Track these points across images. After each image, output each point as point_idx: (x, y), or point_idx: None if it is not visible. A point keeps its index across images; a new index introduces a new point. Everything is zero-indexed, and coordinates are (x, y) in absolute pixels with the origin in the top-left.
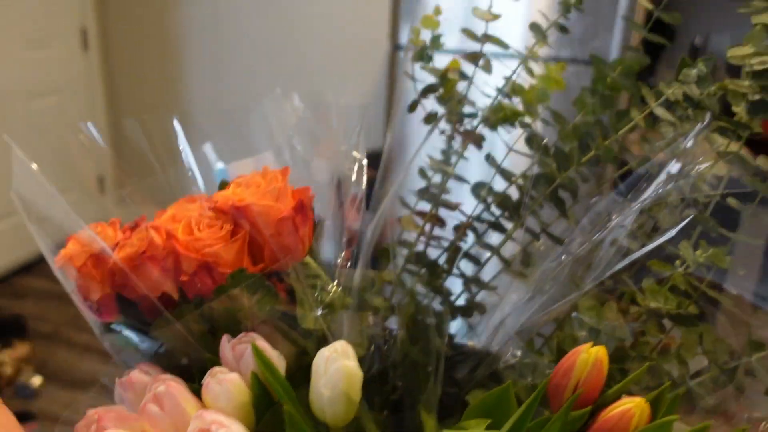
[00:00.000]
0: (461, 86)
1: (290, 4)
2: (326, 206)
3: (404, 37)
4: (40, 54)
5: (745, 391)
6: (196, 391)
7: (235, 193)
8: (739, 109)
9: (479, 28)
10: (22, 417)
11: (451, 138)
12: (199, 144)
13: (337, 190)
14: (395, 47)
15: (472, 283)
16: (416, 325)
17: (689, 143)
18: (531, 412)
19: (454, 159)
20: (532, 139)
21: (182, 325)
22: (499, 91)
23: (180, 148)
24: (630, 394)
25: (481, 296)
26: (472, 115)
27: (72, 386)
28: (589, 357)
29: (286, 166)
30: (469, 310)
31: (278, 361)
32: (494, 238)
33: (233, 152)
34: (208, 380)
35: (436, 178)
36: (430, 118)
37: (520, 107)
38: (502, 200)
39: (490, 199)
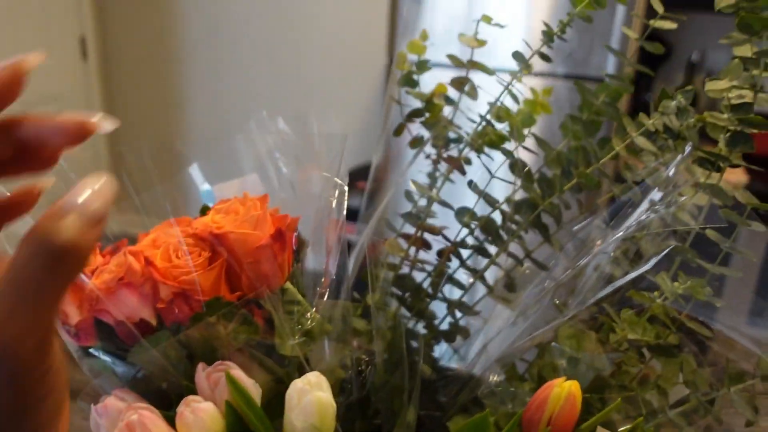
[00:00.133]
0: (448, 110)
1: (289, 15)
2: (310, 229)
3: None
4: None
5: (724, 423)
6: (173, 419)
7: (214, 221)
8: (719, 141)
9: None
10: None
11: (436, 162)
12: (197, 157)
13: (321, 214)
14: (392, 60)
15: (455, 307)
16: (395, 350)
17: (670, 172)
18: None
19: (440, 183)
20: (514, 166)
21: (159, 351)
22: (482, 117)
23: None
24: (608, 424)
25: (465, 320)
26: (458, 140)
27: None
28: (562, 391)
29: (267, 192)
30: (452, 334)
31: (254, 389)
32: (479, 262)
33: (234, 167)
34: (182, 409)
35: (422, 202)
36: (416, 143)
37: (507, 131)
38: (486, 225)
39: (474, 224)
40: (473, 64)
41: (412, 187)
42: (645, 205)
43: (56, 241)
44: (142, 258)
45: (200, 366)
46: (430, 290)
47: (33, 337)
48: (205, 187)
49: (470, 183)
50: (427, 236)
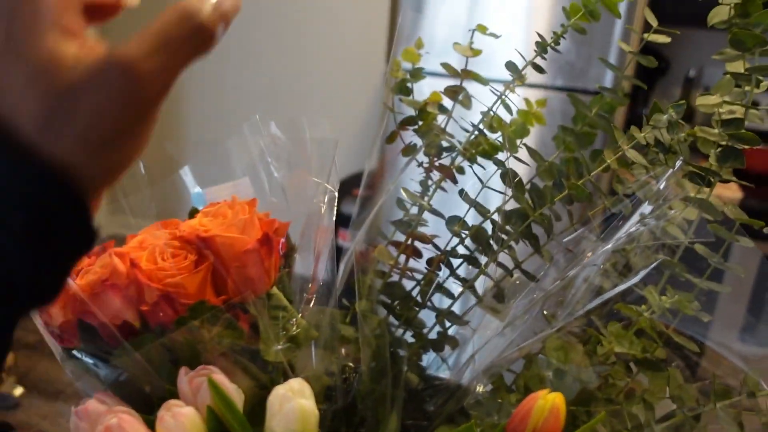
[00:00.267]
0: (442, 119)
1: (288, 22)
2: (301, 234)
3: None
4: None
5: None
6: (154, 423)
7: (201, 224)
8: (710, 156)
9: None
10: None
11: (429, 170)
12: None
13: (310, 220)
14: None
15: (444, 316)
16: (379, 358)
17: (661, 186)
18: None
19: (432, 191)
20: (505, 176)
21: (142, 354)
22: (475, 127)
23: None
24: None
25: (454, 329)
26: (450, 149)
27: (53, 398)
28: (546, 404)
29: (258, 196)
30: (441, 343)
31: (236, 395)
32: (469, 272)
33: (228, 170)
34: (162, 413)
35: (414, 210)
36: (408, 150)
37: (500, 141)
38: (476, 235)
39: (464, 234)
40: (467, 74)
41: (404, 195)
42: (635, 218)
43: (199, 17)
44: (127, 260)
45: (182, 370)
46: (419, 299)
47: (160, 80)
48: (197, 190)
49: (461, 192)
50: (418, 245)
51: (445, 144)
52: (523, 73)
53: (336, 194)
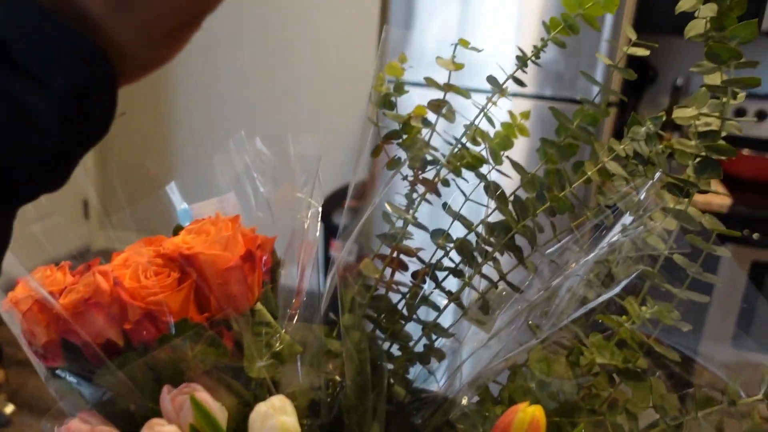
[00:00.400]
0: (427, 132)
1: (280, 37)
2: (286, 249)
3: None
4: None
5: None
6: None
7: (184, 241)
8: (688, 168)
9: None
10: None
11: (414, 184)
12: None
13: (294, 235)
14: None
15: (431, 329)
16: (361, 373)
17: (641, 197)
18: None
19: (417, 205)
20: (488, 188)
21: (126, 373)
22: (457, 140)
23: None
24: None
25: (441, 342)
26: (434, 162)
27: (44, 415)
28: (526, 417)
29: (244, 211)
30: (427, 356)
31: (219, 413)
32: (455, 284)
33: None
34: None
35: (400, 223)
36: (393, 164)
37: (485, 153)
38: (461, 247)
39: (449, 246)
40: (450, 87)
41: (389, 209)
42: (617, 228)
43: None
44: (110, 278)
45: (165, 388)
46: (405, 312)
47: None
48: (183, 206)
49: (444, 205)
50: (404, 258)
51: (429, 157)
52: (504, 86)
53: (320, 209)
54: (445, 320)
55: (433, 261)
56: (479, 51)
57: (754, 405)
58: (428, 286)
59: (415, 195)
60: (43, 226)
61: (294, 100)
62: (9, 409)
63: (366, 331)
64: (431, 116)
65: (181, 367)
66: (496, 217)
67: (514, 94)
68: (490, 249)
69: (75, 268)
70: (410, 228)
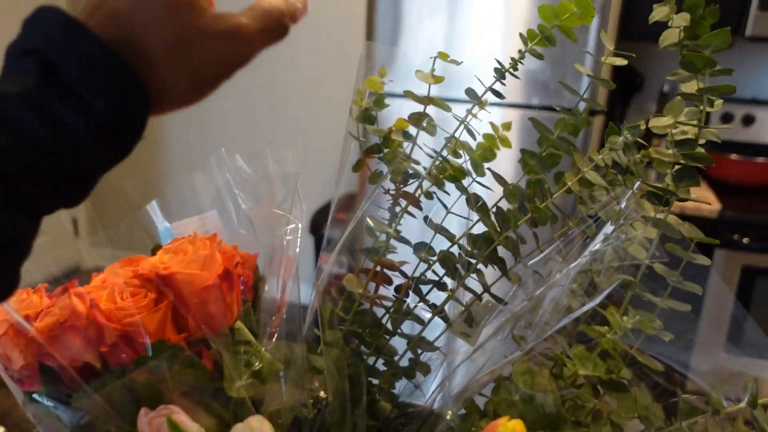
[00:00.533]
0: (407, 145)
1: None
2: (268, 265)
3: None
4: None
5: None
6: None
7: (161, 261)
8: (666, 176)
9: (453, 80)
10: None
11: (396, 197)
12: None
13: (274, 252)
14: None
15: (415, 343)
16: (343, 389)
17: (622, 206)
18: None
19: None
20: (470, 200)
21: (103, 396)
22: (437, 153)
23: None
24: None
25: (426, 356)
26: (416, 175)
27: None
28: (507, 431)
29: (226, 228)
30: (412, 370)
31: None
32: (439, 297)
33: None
34: None
35: (383, 237)
36: (374, 178)
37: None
38: (443, 260)
39: (432, 259)
40: (430, 100)
41: (371, 223)
42: (600, 237)
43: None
44: (86, 300)
45: (142, 411)
46: (389, 326)
47: (255, 49)
48: (164, 224)
49: (426, 218)
50: (389, 272)
51: (410, 171)
52: (483, 98)
53: (299, 225)
54: (432, 333)
55: (417, 274)
56: (458, 64)
57: (738, 413)
58: (412, 299)
59: (397, 208)
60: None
61: (282, 114)
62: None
63: (345, 347)
64: (413, 130)
65: (159, 388)
66: (477, 229)
67: (501, 105)
68: (473, 261)
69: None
70: (395, 242)
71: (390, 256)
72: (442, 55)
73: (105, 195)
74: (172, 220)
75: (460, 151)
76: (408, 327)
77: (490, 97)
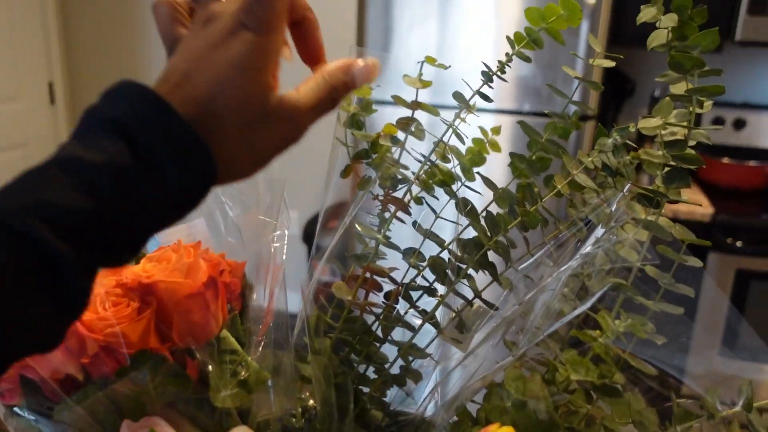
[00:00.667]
0: (396, 150)
1: None
2: (256, 273)
3: None
4: (7, 107)
5: None
6: None
7: (144, 270)
8: (656, 178)
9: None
10: None
11: (384, 203)
12: None
13: (261, 259)
14: None
15: (406, 350)
16: (330, 398)
17: (612, 209)
18: None
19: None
20: (459, 204)
21: (85, 408)
22: (425, 158)
23: None
24: None
25: (418, 363)
26: (405, 180)
27: None
28: None
29: (214, 237)
30: (403, 378)
31: None
32: (429, 303)
33: None
34: None
35: (373, 243)
36: (362, 183)
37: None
38: (433, 265)
39: (422, 265)
40: (417, 105)
41: (359, 229)
42: (591, 240)
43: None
44: None
45: (125, 423)
46: (380, 333)
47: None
48: None
49: (414, 223)
50: (378, 278)
51: (399, 176)
52: (472, 102)
53: (286, 232)
54: (423, 340)
55: (407, 280)
56: (446, 68)
57: (734, 416)
58: (402, 306)
59: (387, 214)
60: None
61: None
62: None
63: (333, 355)
64: (402, 135)
65: (142, 399)
66: (469, 234)
67: (493, 111)
68: (463, 266)
69: None
70: (384, 248)
71: (380, 263)
72: (430, 60)
73: None
74: None
75: (450, 156)
76: (399, 334)
77: (480, 102)
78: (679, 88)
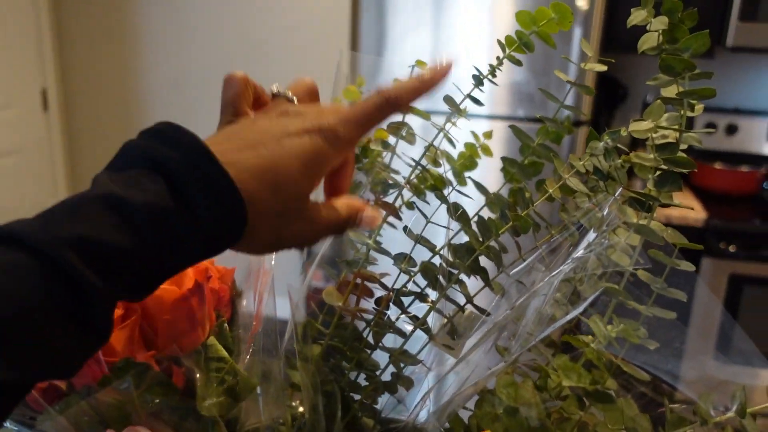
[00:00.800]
0: (387, 155)
1: (258, 64)
2: (246, 279)
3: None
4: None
5: None
6: None
7: None
8: (648, 181)
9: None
10: None
11: (376, 208)
12: None
13: (252, 264)
14: None
15: (397, 357)
16: (318, 405)
17: (604, 213)
18: None
19: (379, 229)
20: (450, 209)
21: (68, 418)
22: (416, 162)
23: None
24: None
25: (409, 369)
26: (396, 185)
27: None
28: None
29: None
30: (394, 384)
31: None
32: (421, 309)
33: None
34: None
35: (364, 249)
36: (354, 188)
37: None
38: (424, 270)
39: (414, 270)
40: (409, 109)
41: (350, 234)
42: (583, 244)
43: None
44: None
45: None
46: (371, 340)
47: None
48: None
49: (405, 229)
50: (369, 284)
51: (390, 181)
52: (462, 106)
53: None
54: (415, 346)
55: (398, 286)
56: None
57: (727, 422)
58: (394, 312)
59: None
60: None
61: None
62: None
63: (320, 362)
64: (393, 139)
65: (127, 408)
66: (461, 239)
67: (487, 116)
68: (455, 271)
69: None
70: (376, 253)
71: (371, 268)
72: (421, 64)
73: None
74: None
75: (441, 161)
76: (390, 340)
77: (473, 107)
78: (670, 91)
